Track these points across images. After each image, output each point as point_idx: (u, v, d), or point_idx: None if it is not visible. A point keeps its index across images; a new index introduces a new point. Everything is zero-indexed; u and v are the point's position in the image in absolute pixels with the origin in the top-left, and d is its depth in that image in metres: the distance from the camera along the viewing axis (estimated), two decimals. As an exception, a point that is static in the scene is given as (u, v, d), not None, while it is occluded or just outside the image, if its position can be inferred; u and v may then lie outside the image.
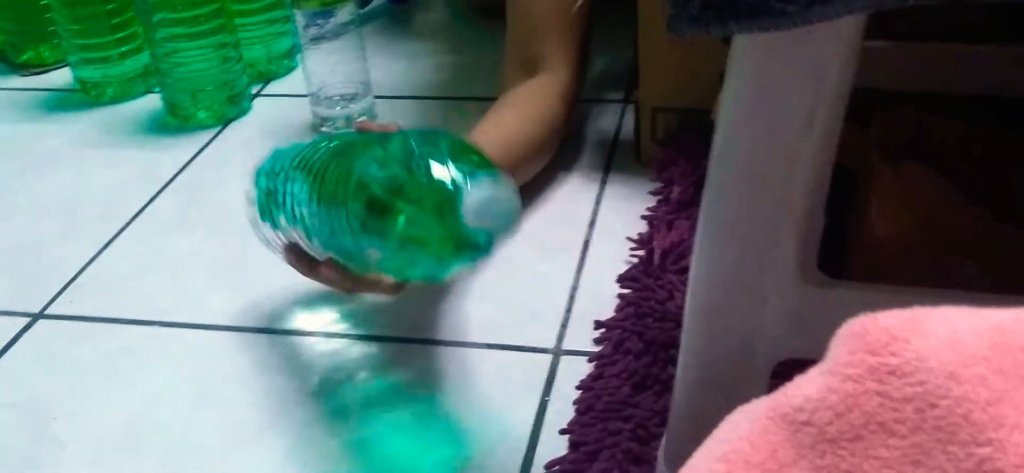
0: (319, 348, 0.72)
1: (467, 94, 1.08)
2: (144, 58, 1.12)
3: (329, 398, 0.67)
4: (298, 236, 0.65)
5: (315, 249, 0.64)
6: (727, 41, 0.48)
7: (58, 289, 0.81)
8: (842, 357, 0.25)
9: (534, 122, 0.86)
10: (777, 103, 0.42)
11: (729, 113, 0.44)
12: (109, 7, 1.08)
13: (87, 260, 0.85)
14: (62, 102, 1.15)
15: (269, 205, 0.67)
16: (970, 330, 0.24)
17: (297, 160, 0.64)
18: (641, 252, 0.76)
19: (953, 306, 0.25)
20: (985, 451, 0.22)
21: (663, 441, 0.58)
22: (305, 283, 0.67)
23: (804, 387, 0.26)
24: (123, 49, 1.11)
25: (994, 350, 0.23)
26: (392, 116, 1.03)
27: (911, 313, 0.25)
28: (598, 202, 0.86)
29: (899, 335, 0.24)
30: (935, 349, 0.24)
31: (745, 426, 0.26)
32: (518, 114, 0.86)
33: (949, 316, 0.25)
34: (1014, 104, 0.62)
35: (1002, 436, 0.22)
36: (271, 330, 0.75)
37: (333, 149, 0.62)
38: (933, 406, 0.23)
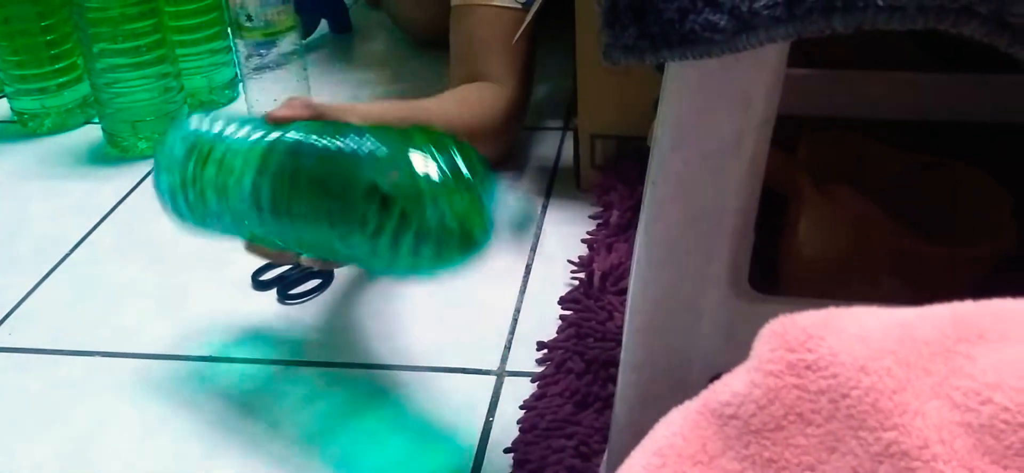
0: (262, 375, 0.72)
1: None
2: (83, 88, 1.12)
3: (273, 425, 0.68)
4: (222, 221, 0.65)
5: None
6: (661, 69, 0.50)
7: (-4, 321, 0.81)
8: (764, 354, 0.27)
9: (468, 113, 0.87)
10: (708, 127, 0.44)
11: (663, 138, 0.46)
12: (48, 37, 1.08)
13: (26, 292, 0.84)
14: (-1, 133, 1.14)
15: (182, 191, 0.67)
16: (878, 327, 0.26)
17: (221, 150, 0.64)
18: (582, 275, 0.78)
19: (864, 306, 0.27)
20: (891, 435, 0.24)
21: (605, 456, 0.59)
22: (247, 311, 0.68)
23: (731, 383, 0.28)
24: (61, 80, 1.11)
25: (900, 344, 0.25)
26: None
27: (826, 313, 0.27)
28: (539, 227, 0.88)
29: (814, 333, 0.26)
30: (847, 345, 0.26)
31: (678, 422, 0.28)
32: (455, 101, 0.88)
33: (860, 315, 0.27)
34: (934, 127, 0.65)
35: (906, 421, 0.24)
36: (214, 358, 0.75)
37: (283, 148, 0.61)
38: (845, 396, 0.25)
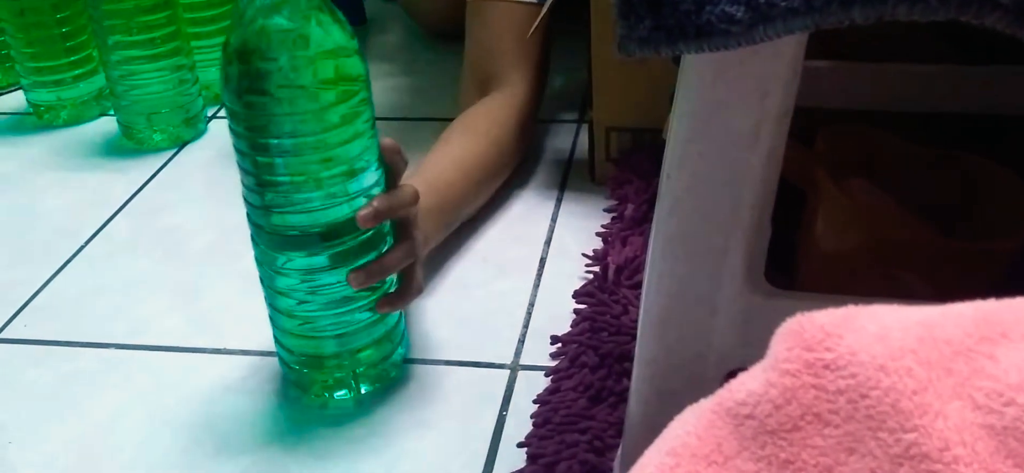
0: (275, 368, 0.72)
1: (423, 115, 1.09)
2: (98, 81, 1.12)
3: (286, 417, 0.68)
4: None
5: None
6: (677, 61, 0.50)
7: (12, 313, 0.81)
8: (781, 353, 0.26)
9: (487, 144, 0.87)
10: (724, 120, 0.44)
11: (679, 130, 0.46)
12: (64, 30, 1.08)
13: (41, 284, 0.84)
14: (15, 126, 1.14)
15: None
16: (898, 325, 0.25)
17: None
18: (596, 268, 0.78)
19: (884, 304, 0.26)
20: (911, 437, 0.24)
21: (619, 451, 0.59)
22: (260, 304, 0.68)
23: (747, 383, 0.27)
24: (77, 72, 1.11)
25: (921, 343, 0.25)
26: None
27: (844, 311, 0.27)
28: (554, 220, 0.88)
29: (833, 332, 0.26)
30: (866, 344, 0.25)
31: (692, 422, 0.28)
32: (471, 137, 0.87)
33: (879, 313, 0.26)
34: (952, 120, 0.64)
35: (926, 423, 0.24)
36: (227, 350, 0.75)
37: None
38: (864, 397, 0.25)
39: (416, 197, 0.67)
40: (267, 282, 0.66)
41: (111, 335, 0.77)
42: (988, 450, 0.23)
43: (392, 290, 0.67)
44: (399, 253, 0.66)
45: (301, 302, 0.64)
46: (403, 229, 0.67)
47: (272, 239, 0.63)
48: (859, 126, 0.64)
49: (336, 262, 0.63)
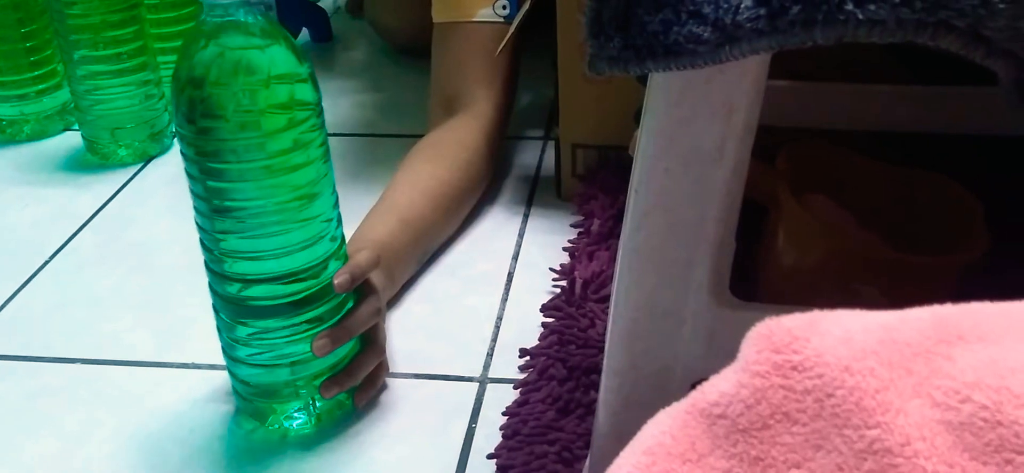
0: (246, 382, 0.72)
1: (390, 131, 1.09)
2: (62, 95, 1.11)
3: (255, 433, 0.68)
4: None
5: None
6: (643, 81, 0.51)
7: (-25, 328, 0.80)
8: (751, 356, 0.28)
9: (456, 169, 0.87)
10: (690, 137, 0.45)
11: (646, 147, 0.47)
12: (28, 44, 1.07)
13: (5, 299, 0.84)
14: (-24, 140, 1.13)
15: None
16: (861, 329, 0.27)
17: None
18: (563, 282, 0.79)
19: (847, 310, 0.28)
20: (874, 433, 0.25)
21: (587, 462, 0.60)
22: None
23: (719, 384, 0.28)
24: (41, 86, 1.10)
25: (882, 345, 0.26)
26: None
27: (810, 316, 0.28)
28: (521, 236, 0.89)
29: (800, 335, 0.27)
30: (831, 346, 0.27)
31: (667, 422, 0.29)
32: (439, 164, 0.87)
33: (843, 318, 0.28)
34: (910, 138, 0.66)
35: (888, 419, 0.25)
36: (194, 365, 0.75)
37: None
38: (830, 396, 0.26)
39: (378, 261, 0.68)
40: (221, 310, 0.65)
41: (77, 350, 0.77)
42: (946, 444, 0.25)
43: (355, 350, 0.68)
44: (364, 312, 0.66)
45: (257, 332, 0.64)
46: (366, 286, 0.68)
47: (228, 286, 0.63)
48: (819, 144, 0.66)
49: (296, 308, 0.63)
